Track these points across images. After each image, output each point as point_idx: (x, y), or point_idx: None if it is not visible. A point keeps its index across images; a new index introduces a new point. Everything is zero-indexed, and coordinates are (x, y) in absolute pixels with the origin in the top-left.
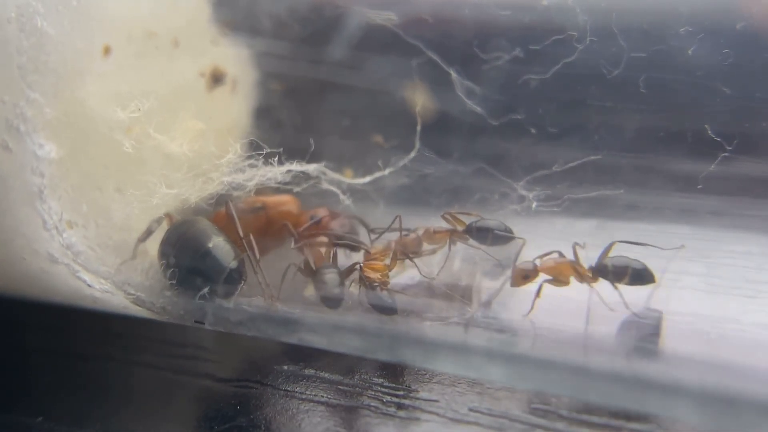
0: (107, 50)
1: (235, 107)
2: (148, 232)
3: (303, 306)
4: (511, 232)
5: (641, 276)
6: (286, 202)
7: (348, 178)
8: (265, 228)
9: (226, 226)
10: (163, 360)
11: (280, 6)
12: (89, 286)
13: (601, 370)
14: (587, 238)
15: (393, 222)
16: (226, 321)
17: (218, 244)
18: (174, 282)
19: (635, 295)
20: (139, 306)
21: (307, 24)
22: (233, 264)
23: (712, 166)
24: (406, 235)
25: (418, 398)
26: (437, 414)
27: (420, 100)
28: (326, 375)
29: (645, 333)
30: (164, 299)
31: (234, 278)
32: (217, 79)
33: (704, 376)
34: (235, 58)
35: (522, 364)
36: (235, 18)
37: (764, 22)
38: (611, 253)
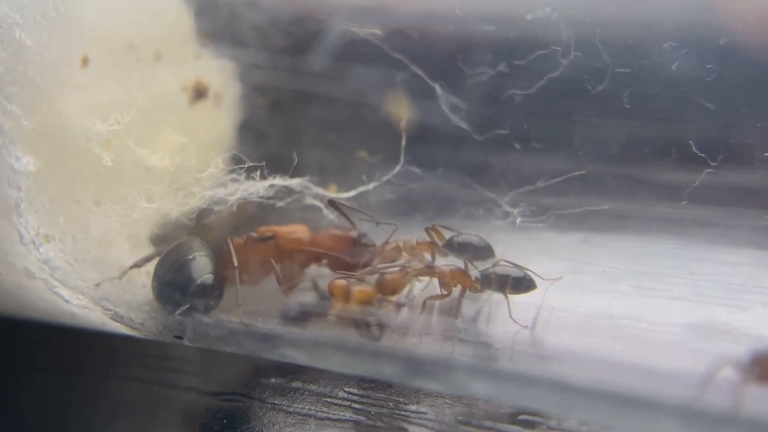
0: (85, 61)
1: (219, 122)
2: (146, 259)
3: (283, 322)
4: (491, 247)
5: (522, 284)
6: (297, 230)
7: (332, 193)
8: (277, 256)
9: (240, 254)
10: (148, 374)
11: (263, 19)
12: (67, 301)
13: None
14: (571, 253)
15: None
16: (205, 336)
17: (196, 259)
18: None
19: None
20: (118, 322)
21: (290, 37)
22: (206, 278)
23: (697, 182)
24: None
25: (406, 410)
26: (425, 426)
27: (405, 114)
28: (313, 388)
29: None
30: (143, 314)
31: (203, 292)
32: (199, 93)
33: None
34: (218, 72)
35: (506, 379)
36: (216, 29)
37: (748, 37)
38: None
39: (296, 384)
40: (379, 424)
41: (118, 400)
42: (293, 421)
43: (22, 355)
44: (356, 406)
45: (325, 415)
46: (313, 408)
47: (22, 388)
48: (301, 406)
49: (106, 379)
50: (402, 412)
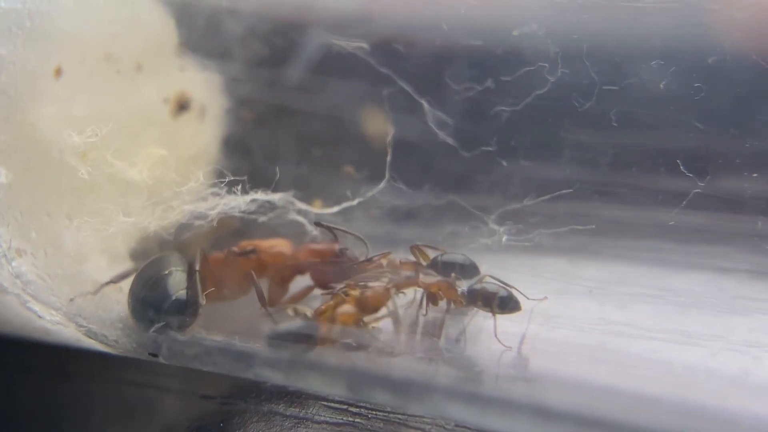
0: (58, 72)
1: (202, 134)
2: (122, 276)
3: (261, 340)
4: (476, 266)
5: (507, 304)
6: (278, 245)
7: (317, 209)
8: (258, 271)
9: (217, 269)
10: (143, 377)
11: (248, 31)
12: (40, 317)
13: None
14: (557, 273)
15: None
16: (180, 354)
17: (172, 274)
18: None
19: None
20: (92, 338)
21: (275, 50)
22: (181, 294)
23: (684, 202)
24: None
25: (404, 413)
26: (423, 430)
27: (390, 130)
28: (311, 391)
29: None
30: (117, 331)
31: (178, 309)
32: (182, 105)
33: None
34: (203, 84)
35: (489, 404)
36: (201, 41)
37: (735, 55)
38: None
39: (293, 387)
40: (377, 426)
41: (111, 404)
42: (290, 425)
43: (12, 358)
44: (353, 409)
45: (322, 418)
46: (310, 411)
47: (13, 391)
48: (297, 410)
49: (99, 383)
50: (399, 415)
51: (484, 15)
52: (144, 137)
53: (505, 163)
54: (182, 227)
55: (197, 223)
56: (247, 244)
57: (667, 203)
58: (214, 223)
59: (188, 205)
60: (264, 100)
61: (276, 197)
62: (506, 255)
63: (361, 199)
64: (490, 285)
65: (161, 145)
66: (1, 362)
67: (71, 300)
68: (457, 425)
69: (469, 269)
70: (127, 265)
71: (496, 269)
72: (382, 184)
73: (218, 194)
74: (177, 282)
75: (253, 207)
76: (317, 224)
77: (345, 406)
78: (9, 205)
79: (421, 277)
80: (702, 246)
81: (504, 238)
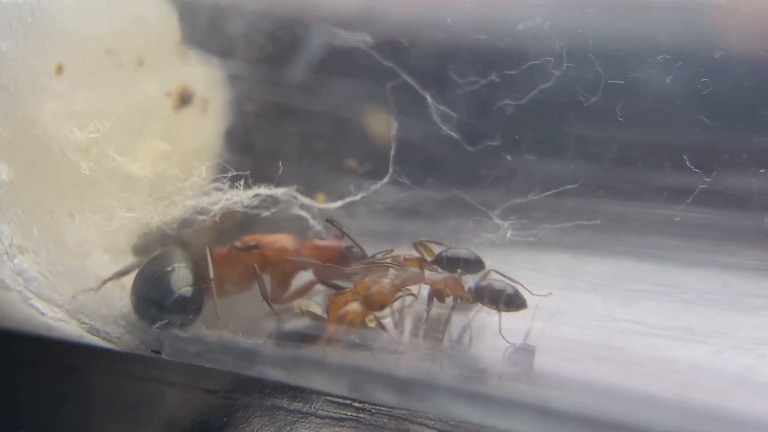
0: (59, 67)
1: (204, 128)
2: (124, 272)
3: (264, 338)
4: (481, 261)
5: (514, 302)
6: (282, 240)
7: (320, 203)
8: (261, 266)
9: (222, 264)
10: (146, 370)
11: (251, 25)
12: (42, 314)
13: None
14: (562, 269)
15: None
16: (183, 351)
17: (176, 270)
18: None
19: None
20: (94, 335)
21: (279, 44)
22: (185, 291)
23: (690, 198)
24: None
25: (408, 409)
26: (427, 426)
27: (394, 124)
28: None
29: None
30: (120, 329)
31: (182, 305)
32: (184, 99)
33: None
34: (206, 77)
35: (493, 403)
36: (204, 34)
37: (742, 50)
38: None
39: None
40: (381, 422)
41: (114, 397)
42: (293, 419)
43: (15, 351)
44: (357, 404)
45: (326, 413)
46: (313, 406)
47: (16, 385)
48: (301, 404)
49: (102, 377)
50: (403, 411)
51: (488, 9)
52: (146, 132)
53: (509, 158)
54: (185, 222)
55: (200, 218)
56: (250, 239)
57: (672, 199)
58: (217, 218)
59: (191, 200)
60: (267, 93)
61: (279, 192)
62: (510, 250)
63: (364, 194)
64: (497, 282)
65: (163, 140)
66: (4, 356)
67: (73, 297)
68: (461, 421)
69: (474, 264)
70: (129, 261)
71: (500, 264)
72: (386, 179)
73: (221, 189)
74: (180, 278)
75: (255, 202)
76: (329, 221)
77: (349, 401)
78: (10, 202)
79: (427, 274)
80: (707, 242)
81: (508, 233)
